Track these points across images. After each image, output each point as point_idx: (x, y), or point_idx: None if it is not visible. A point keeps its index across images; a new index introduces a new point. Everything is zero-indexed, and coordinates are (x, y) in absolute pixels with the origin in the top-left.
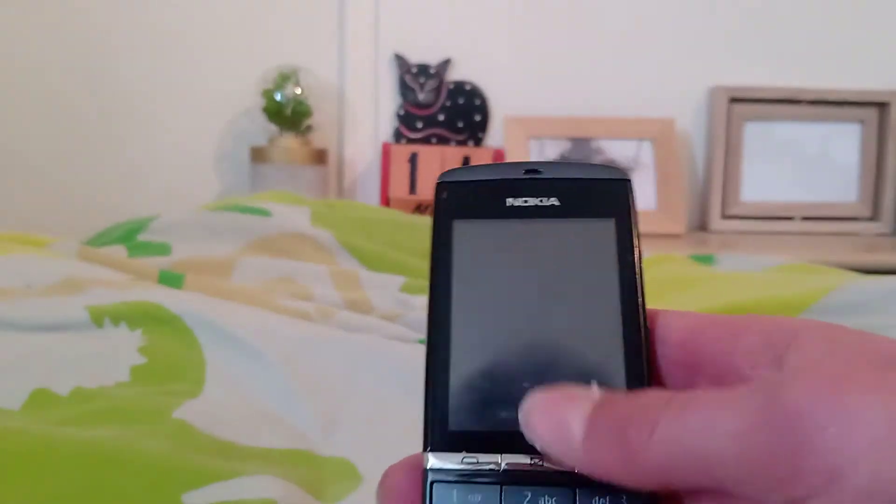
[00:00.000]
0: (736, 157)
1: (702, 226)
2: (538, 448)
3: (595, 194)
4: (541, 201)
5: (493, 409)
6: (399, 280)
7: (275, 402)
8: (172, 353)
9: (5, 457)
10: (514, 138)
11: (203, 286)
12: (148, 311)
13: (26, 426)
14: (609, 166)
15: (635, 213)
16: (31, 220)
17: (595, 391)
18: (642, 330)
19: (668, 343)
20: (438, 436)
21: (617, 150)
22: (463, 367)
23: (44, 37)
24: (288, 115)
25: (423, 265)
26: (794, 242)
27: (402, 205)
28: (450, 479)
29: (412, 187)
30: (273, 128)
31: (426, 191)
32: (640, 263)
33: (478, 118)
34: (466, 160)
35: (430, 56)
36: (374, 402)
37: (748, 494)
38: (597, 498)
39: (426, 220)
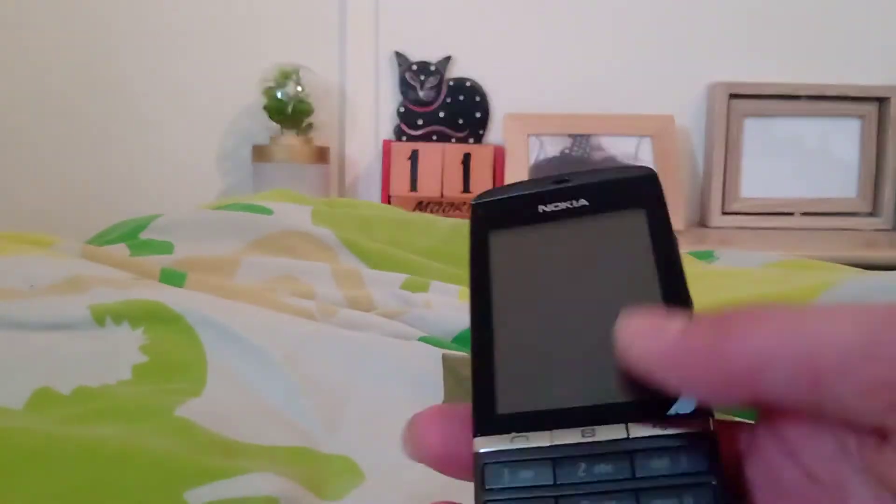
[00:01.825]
0: (735, 153)
1: (701, 222)
2: (621, 348)
3: (623, 191)
4: (571, 204)
5: (540, 390)
6: (400, 277)
7: (277, 400)
8: (174, 351)
9: (8, 456)
10: (514, 135)
11: (205, 285)
12: (150, 309)
13: (29, 425)
14: (634, 165)
15: (664, 201)
16: (34, 220)
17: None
18: (687, 307)
19: None
20: (486, 420)
21: (617, 147)
22: (507, 355)
23: (45, 36)
24: (289, 114)
25: (425, 263)
26: (794, 238)
27: (403, 202)
28: (501, 459)
29: (413, 185)
30: (274, 126)
31: (427, 188)
32: (677, 248)
33: (478, 115)
34: (467, 157)
35: (430, 54)
36: (376, 400)
37: (845, 402)
38: (655, 460)
39: (427, 218)
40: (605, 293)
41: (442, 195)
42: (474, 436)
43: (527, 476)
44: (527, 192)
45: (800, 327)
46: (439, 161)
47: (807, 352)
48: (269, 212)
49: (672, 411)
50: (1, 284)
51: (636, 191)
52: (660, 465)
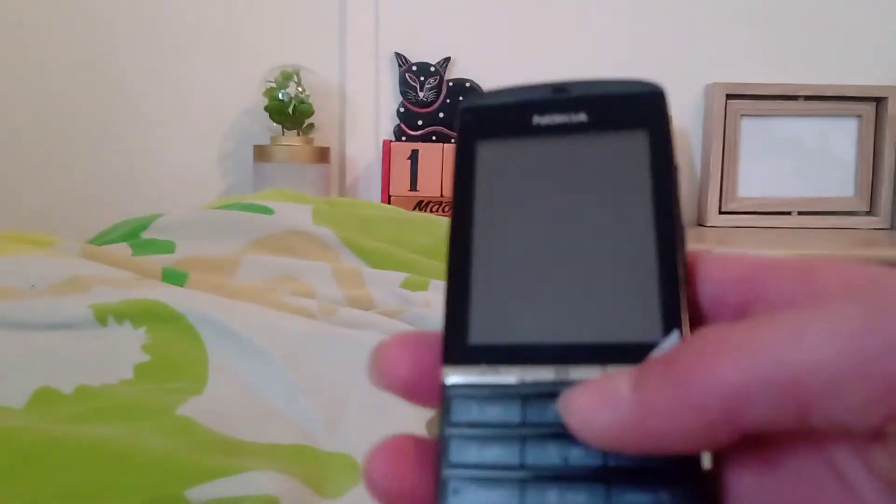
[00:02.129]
0: (733, 153)
1: (699, 221)
2: (575, 431)
3: (625, 108)
4: (569, 118)
5: (515, 322)
6: (400, 276)
7: (277, 399)
8: (176, 350)
9: (9, 455)
10: None
11: (206, 284)
12: (151, 309)
13: (30, 424)
14: (641, 80)
15: (670, 125)
16: (36, 220)
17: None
18: (678, 247)
19: (721, 282)
20: (457, 349)
21: None
22: (484, 280)
23: (46, 37)
24: (290, 114)
25: (425, 262)
26: (792, 237)
27: (403, 202)
28: (469, 393)
29: (413, 184)
30: (275, 126)
31: (427, 188)
32: (677, 177)
33: None
34: None
35: (430, 54)
36: (376, 398)
37: (837, 418)
38: None
39: (427, 217)
40: (594, 222)
41: (442, 195)
42: (442, 364)
43: (494, 412)
44: (521, 100)
45: (772, 356)
46: (439, 161)
47: (788, 382)
48: (270, 211)
49: (654, 354)
50: (2, 284)
51: (640, 109)
52: None
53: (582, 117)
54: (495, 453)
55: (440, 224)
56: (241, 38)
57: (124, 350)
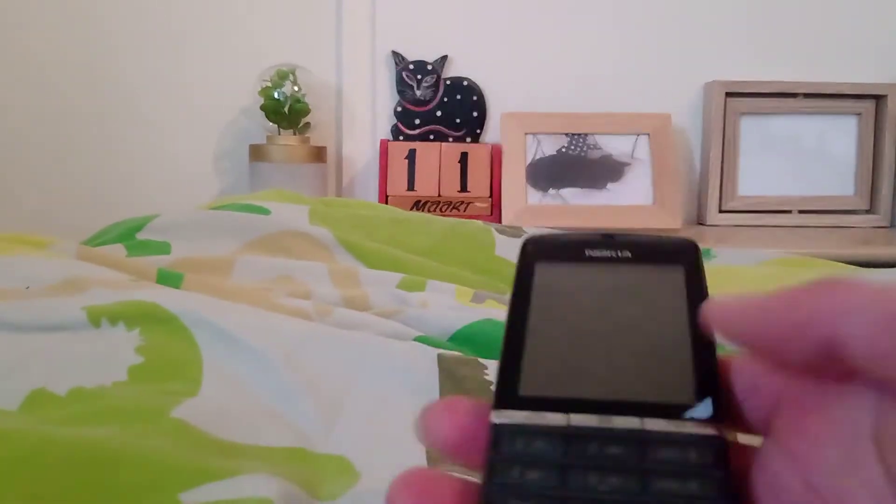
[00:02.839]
0: (732, 152)
1: (699, 220)
2: (709, 310)
3: (665, 251)
4: (616, 254)
5: (562, 379)
6: (397, 277)
7: (273, 401)
8: (170, 352)
9: (3, 457)
10: (511, 134)
11: (201, 285)
12: (145, 310)
13: (23, 426)
14: (676, 237)
15: (703, 269)
16: (32, 220)
17: None
18: (713, 347)
19: (754, 373)
20: (507, 398)
21: (613, 146)
22: (534, 355)
23: (43, 35)
24: (286, 114)
25: (422, 262)
26: (792, 236)
27: (400, 202)
28: (516, 430)
29: (410, 184)
30: (272, 126)
31: (424, 187)
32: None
33: (475, 114)
34: (464, 156)
35: (426, 53)
36: (372, 400)
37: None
38: (665, 448)
39: (424, 217)
40: (637, 324)
41: (439, 194)
42: (493, 408)
43: (538, 446)
44: (575, 238)
45: (888, 293)
46: (436, 160)
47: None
48: (266, 212)
49: (688, 415)
50: None
51: (677, 252)
52: (669, 453)
53: (627, 254)
54: (536, 476)
55: (438, 224)
56: (237, 38)
57: (118, 352)
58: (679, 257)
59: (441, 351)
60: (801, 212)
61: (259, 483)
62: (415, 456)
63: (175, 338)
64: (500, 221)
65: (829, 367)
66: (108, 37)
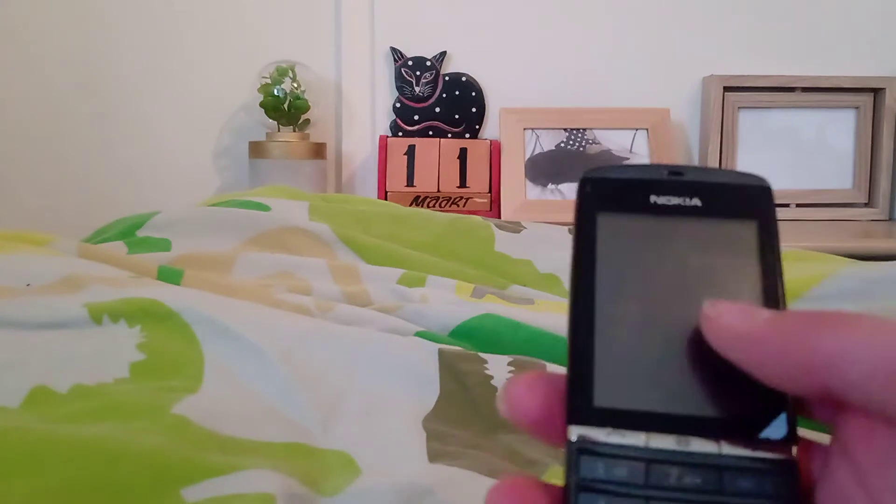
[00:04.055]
0: (731, 146)
1: None
2: (711, 322)
3: (737, 198)
4: (683, 201)
5: (637, 389)
6: (397, 272)
7: (274, 397)
8: (171, 349)
9: (5, 455)
10: (510, 130)
11: (202, 282)
12: (146, 307)
13: (25, 424)
14: (750, 174)
15: (777, 219)
16: (31, 218)
17: None
18: None
19: None
20: (582, 409)
21: (612, 141)
22: (606, 346)
23: (43, 33)
24: (286, 110)
25: (422, 258)
26: (790, 229)
27: (399, 198)
28: (597, 450)
29: (410, 180)
30: (271, 123)
31: (423, 183)
32: (781, 267)
33: (474, 110)
34: (463, 152)
35: (425, 49)
36: (373, 395)
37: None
38: (742, 479)
39: (424, 213)
40: (705, 299)
41: (439, 190)
42: (568, 423)
43: (620, 472)
44: (639, 177)
45: (885, 335)
46: (436, 156)
47: (889, 356)
48: (266, 208)
49: (763, 435)
50: None
51: (750, 200)
52: (746, 484)
53: (696, 202)
54: None
55: (437, 220)
56: (236, 34)
57: (119, 349)
58: (753, 206)
59: (442, 346)
60: (799, 205)
61: (261, 478)
62: (416, 452)
63: (176, 334)
64: (499, 217)
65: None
66: (108, 33)
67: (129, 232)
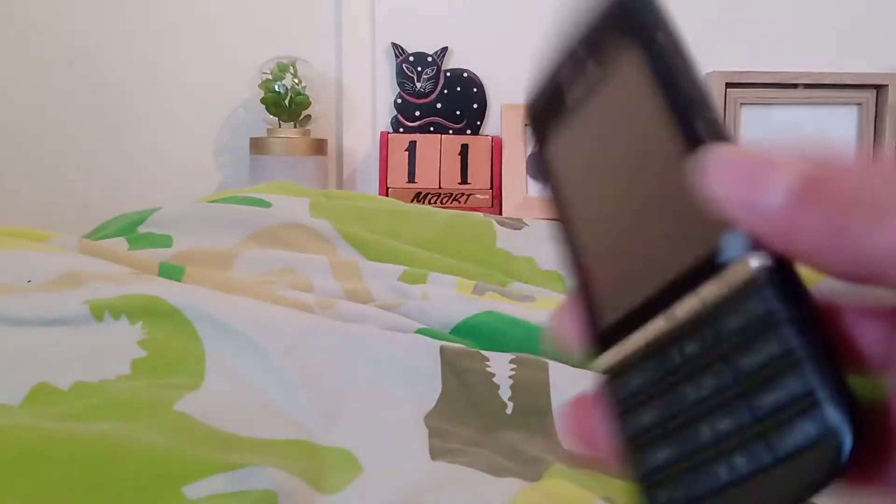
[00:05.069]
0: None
1: None
2: (717, 196)
3: (615, 32)
4: (583, 76)
5: (623, 291)
6: (398, 269)
7: (275, 394)
8: (173, 345)
9: (8, 452)
10: (511, 126)
11: (203, 278)
12: (148, 304)
13: (26, 422)
14: None
15: (666, 27)
16: (32, 215)
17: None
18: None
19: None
20: (593, 343)
21: None
22: (593, 267)
23: (43, 30)
24: (286, 106)
25: (423, 254)
26: None
27: (400, 194)
28: (613, 376)
29: (411, 176)
30: (272, 119)
31: (425, 179)
32: (691, 77)
33: (475, 106)
34: (465, 148)
35: (427, 45)
36: (374, 393)
37: None
38: (727, 318)
39: (425, 209)
40: (643, 164)
41: (440, 186)
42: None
43: (637, 382)
44: (552, 77)
45: None
46: (437, 152)
47: None
48: (267, 204)
49: (723, 259)
50: None
51: (628, 26)
52: (733, 321)
53: (593, 69)
54: (650, 416)
55: (438, 216)
56: (237, 31)
57: (121, 346)
58: (633, 32)
59: (444, 343)
60: None
61: (263, 475)
62: (417, 449)
63: (178, 331)
64: (500, 213)
65: None
66: (108, 30)
67: (129, 228)
